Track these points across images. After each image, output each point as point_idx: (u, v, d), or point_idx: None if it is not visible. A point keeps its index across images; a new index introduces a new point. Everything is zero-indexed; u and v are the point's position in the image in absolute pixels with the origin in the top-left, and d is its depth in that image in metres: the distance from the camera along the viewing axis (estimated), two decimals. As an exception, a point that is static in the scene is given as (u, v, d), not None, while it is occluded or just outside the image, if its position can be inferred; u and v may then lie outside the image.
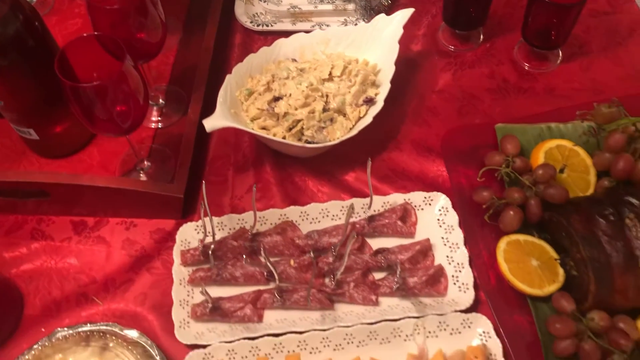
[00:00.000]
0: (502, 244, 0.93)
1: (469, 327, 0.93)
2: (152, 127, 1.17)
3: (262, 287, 0.98)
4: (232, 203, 1.10)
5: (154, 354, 0.90)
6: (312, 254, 0.98)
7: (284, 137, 1.06)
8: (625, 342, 0.81)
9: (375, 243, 1.03)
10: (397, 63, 1.13)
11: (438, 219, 1.04)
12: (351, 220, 1.04)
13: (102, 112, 0.89)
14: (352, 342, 0.92)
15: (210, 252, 0.97)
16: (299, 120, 1.06)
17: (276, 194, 1.10)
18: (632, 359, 0.83)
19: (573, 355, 0.84)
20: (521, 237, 0.94)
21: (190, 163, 1.06)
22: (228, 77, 1.10)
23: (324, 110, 1.07)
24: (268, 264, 0.89)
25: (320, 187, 1.11)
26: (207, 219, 0.99)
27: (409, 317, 0.93)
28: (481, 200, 0.97)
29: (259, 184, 1.12)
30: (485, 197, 0.96)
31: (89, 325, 0.93)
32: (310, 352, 0.92)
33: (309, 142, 1.07)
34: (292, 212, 1.04)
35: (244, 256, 0.98)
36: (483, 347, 0.89)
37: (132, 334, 0.93)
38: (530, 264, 0.92)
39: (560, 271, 0.91)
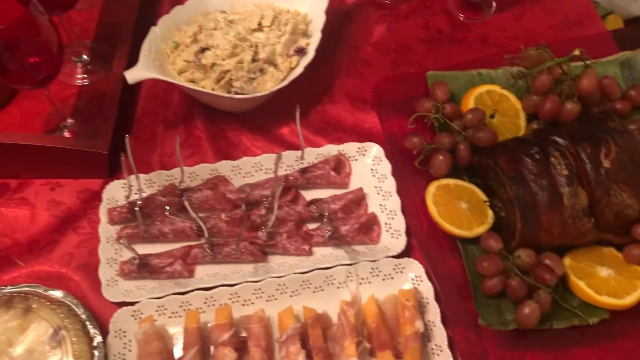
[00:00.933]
0: (432, 188, 0.93)
1: (401, 272, 0.93)
2: (77, 84, 1.12)
3: (192, 243, 0.96)
4: (162, 160, 1.06)
5: (80, 313, 0.87)
6: (243, 206, 0.96)
7: (212, 90, 1.03)
8: (550, 277, 0.82)
9: (310, 195, 1.02)
10: (332, 16, 1.10)
11: (372, 169, 1.03)
12: (285, 172, 1.02)
13: (11, 62, 0.84)
14: (285, 292, 0.91)
15: (137, 208, 0.94)
16: (227, 71, 1.03)
17: (208, 149, 1.07)
18: (556, 293, 0.84)
19: (501, 293, 0.85)
20: (451, 181, 0.94)
21: (115, 119, 1.02)
22: (153, 29, 1.05)
23: (253, 60, 1.04)
24: (195, 216, 0.86)
25: (254, 141, 1.09)
26: (133, 176, 0.96)
27: (342, 265, 0.92)
28: (411, 146, 0.96)
29: (189, 140, 1.08)
30: (415, 143, 0.96)
31: (9, 287, 0.89)
32: (243, 305, 0.91)
33: (239, 94, 1.04)
34: (224, 167, 1.02)
35: (167, 209, 0.94)
36: (414, 291, 0.90)
37: (57, 294, 0.90)
38: (459, 207, 0.92)
39: (490, 213, 0.92)
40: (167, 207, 0.94)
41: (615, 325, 0.85)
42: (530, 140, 0.91)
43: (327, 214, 0.97)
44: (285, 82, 1.03)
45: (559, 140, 0.90)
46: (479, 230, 0.90)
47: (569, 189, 0.85)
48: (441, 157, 0.95)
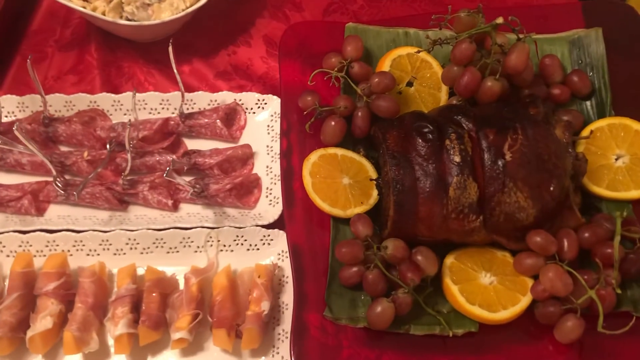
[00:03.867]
0: (314, 156, 0.81)
1: (269, 244, 0.83)
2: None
3: (50, 179, 0.87)
4: (47, 84, 0.96)
5: None
6: (109, 146, 0.86)
7: (103, 13, 0.91)
8: (412, 276, 0.71)
9: (197, 144, 0.91)
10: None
11: (268, 125, 0.92)
12: (167, 115, 0.92)
13: None
14: (136, 248, 0.82)
15: (-7, 132, 0.85)
16: (118, -7, 0.91)
17: (96, 78, 0.97)
18: (420, 294, 0.73)
19: (359, 285, 0.75)
20: (340, 152, 0.83)
21: (-10, 30, 0.92)
22: None
23: (150, -16, 0.92)
24: (32, 147, 0.77)
25: (149, 76, 0.98)
26: (4, 96, 0.86)
27: (204, 228, 0.83)
28: (304, 105, 0.84)
29: (79, 66, 0.98)
30: (308, 103, 0.84)
31: None
32: (88, 254, 0.82)
33: (130, 20, 0.92)
34: (104, 100, 0.92)
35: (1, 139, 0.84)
36: (270, 267, 0.80)
37: None
38: (340, 182, 0.80)
39: (374, 194, 0.80)
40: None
41: (483, 340, 0.75)
42: (429, 117, 0.78)
43: (201, 168, 0.87)
44: (183, 14, 0.91)
45: (464, 121, 0.77)
46: (355, 210, 0.79)
47: (457, 178, 0.73)
48: (332, 123, 0.83)
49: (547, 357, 0.74)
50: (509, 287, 0.75)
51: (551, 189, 0.74)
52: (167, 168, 0.74)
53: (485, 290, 0.75)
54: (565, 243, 0.74)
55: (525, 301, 0.74)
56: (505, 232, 0.75)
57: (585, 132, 0.84)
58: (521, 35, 0.81)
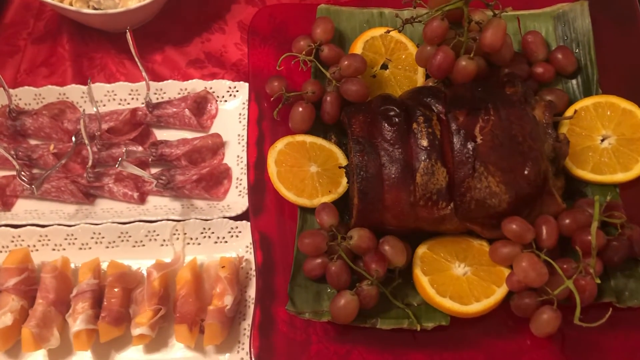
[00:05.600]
0: (280, 144, 0.78)
1: (237, 236, 0.80)
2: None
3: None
4: (18, 78, 0.95)
5: None
6: (74, 139, 0.84)
7: (70, 3, 0.90)
8: (376, 267, 0.68)
9: (167, 135, 0.89)
10: None
11: (240, 114, 0.89)
12: (137, 106, 0.89)
13: None
14: (101, 242, 0.80)
15: (-41, 127, 0.84)
16: (83, -19, 0.89)
17: (68, 70, 0.95)
18: (388, 286, 0.70)
19: (324, 277, 0.72)
20: (308, 139, 0.79)
21: (-42, 24, 0.91)
22: None
23: (116, -30, 0.90)
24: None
25: (120, 67, 0.96)
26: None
27: (170, 220, 0.80)
28: (271, 90, 0.81)
29: (51, 58, 0.97)
30: (275, 88, 0.80)
31: None
32: (54, 249, 0.81)
33: (96, 9, 0.90)
34: (73, 92, 0.90)
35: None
36: (235, 260, 0.77)
37: None
38: (307, 170, 0.77)
39: (343, 182, 0.77)
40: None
41: (456, 334, 0.70)
42: (397, 100, 0.74)
43: (168, 159, 0.84)
44: (150, 1, 0.89)
45: (434, 103, 0.72)
46: (323, 199, 0.75)
47: (425, 163, 0.69)
48: (300, 109, 0.79)
49: (526, 351, 0.70)
50: (484, 278, 0.71)
51: (526, 172, 0.69)
52: (139, 160, 0.72)
53: (458, 281, 0.71)
54: (544, 230, 0.69)
55: (500, 293, 0.69)
56: (479, 219, 0.71)
57: (569, 112, 0.79)
58: (497, 11, 0.76)
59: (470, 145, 0.69)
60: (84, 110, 0.80)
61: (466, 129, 0.70)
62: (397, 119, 0.71)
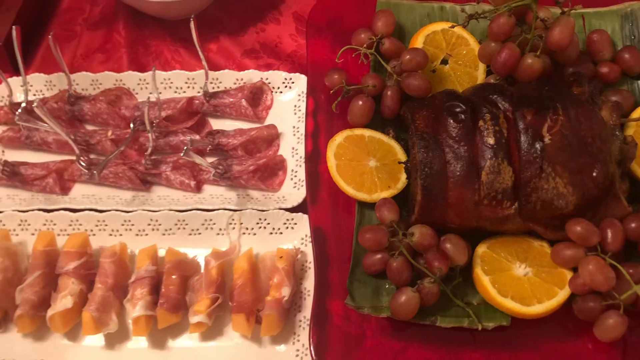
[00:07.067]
0: (339, 138, 0.77)
1: (292, 228, 0.80)
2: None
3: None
4: (74, 63, 0.96)
5: None
6: (132, 126, 0.84)
7: (130, -11, 0.90)
8: (439, 265, 0.67)
9: (222, 125, 0.89)
10: None
11: (295, 105, 0.89)
12: (193, 94, 0.90)
13: None
14: (158, 229, 0.81)
15: (19, 110, 0.84)
16: (145, -32, 0.89)
17: (123, 57, 0.96)
18: (448, 284, 0.69)
19: (384, 273, 0.71)
20: (367, 133, 0.79)
21: (18, 9, 0.91)
22: None
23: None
24: (52, 125, 0.76)
25: (176, 55, 0.96)
26: (36, 74, 0.87)
27: (226, 210, 0.80)
28: (330, 83, 0.80)
29: (107, 44, 0.97)
30: (335, 81, 0.80)
31: None
32: (110, 234, 0.81)
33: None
34: (130, 78, 0.90)
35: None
36: (292, 251, 0.77)
37: None
38: (366, 164, 0.76)
39: (402, 177, 0.76)
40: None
41: (515, 335, 0.70)
42: (462, 97, 0.73)
43: (224, 149, 0.84)
44: (212, -12, 0.89)
45: (500, 101, 0.71)
46: (382, 195, 0.75)
47: (491, 162, 0.68)
48: (360, 103, 0.79)
49: (587, 355, 0.69)
50: (545, 280, 0.70)
51: (594, 174, 0.68)
52: (184, 147, 0.72)
53: (519, 282, 0.70)
54: (609, 233, 0.68)
55: (562, 295, 0.69)
56: (543, 220, 0.70)
57: (636, 114, 0.77)
58: (565, 9, 0.75)
59: (538, 145, 0.68)
60: (148, 97, 0.81)
61: (534, 128, 0.69)
62: (463, 116, 0.70)
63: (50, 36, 0.82)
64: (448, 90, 0.75)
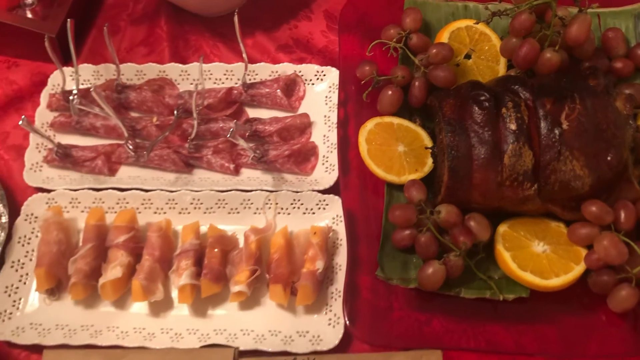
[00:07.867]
0: (370, 124, 0.83)
1: (324, 208, 0.86)
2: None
3: (122, 142, 0.92)
4: (119, 55, 1.02)
5: (-7, 190, 0.88)
6: (176, 113, 0.91)
7: (173, -13, 0.97)
8: (464, 240, 0.73)
9: (257, 113, 0.95)
10: None
11: (326, 96, 0.95)
12: (231, 85, 0.96)
13: None
14: (199, 208, 0.87)
15: (71, 97, 0.91)
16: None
17: (165, 50, 1.02)
18: (472, 259, 0.75)
19: (412, 248, 0.77)
20: (395, 120, 0.85)
21: (71, 3, 0.98)
22: None
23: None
24: (107, 110, 0.82)
25: (214, 49, 1.02)
26: (84, 65, 0.93)
27: (263, 190, 0.86)
28: (361, 75, 0.87)
29: (150, 38, 1.04)
30: (366, 72, 0.86)
31: None
32: (155, 212, 0.87)
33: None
34: (173, 70, 0.97)
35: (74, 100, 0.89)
36: (325, 228, 0.83)
37: (-20, 168, 0.90)
38: (395, 149, 0.82)
39: (429, 162, 0.82)
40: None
41: (534, 307, 0.75)
42: (486, 86, 0.79)
43: (261, 135, 0.90)
44: (251, -13, 0.95)
45: (521, 91, 0.77)
46: (410, 177, 0.80)
47: (513, 146, 0.74)
48: (389, 92, 0.85)
49: (600, 327, 0.75)
50: (562, 256, 0.75)
51: (609, 158, 0.73)
52: (231, 129, 0.78)
53: (538, 258, 0.75)
54: (622, 214, 0.74)
55: (578, 270, 0.74)
56: (560, 201, 0.75)
57: (647, 106, 0.83)
58: (583, 7, 0.81)
59: (557, 131, 0.73)
60: (196, 85, 0.87)
61: (553, 116, 0.74)
62: (487, 104, 0.76)
63: (105, 27, 0.88)
64: (473, 81, 0.81)
